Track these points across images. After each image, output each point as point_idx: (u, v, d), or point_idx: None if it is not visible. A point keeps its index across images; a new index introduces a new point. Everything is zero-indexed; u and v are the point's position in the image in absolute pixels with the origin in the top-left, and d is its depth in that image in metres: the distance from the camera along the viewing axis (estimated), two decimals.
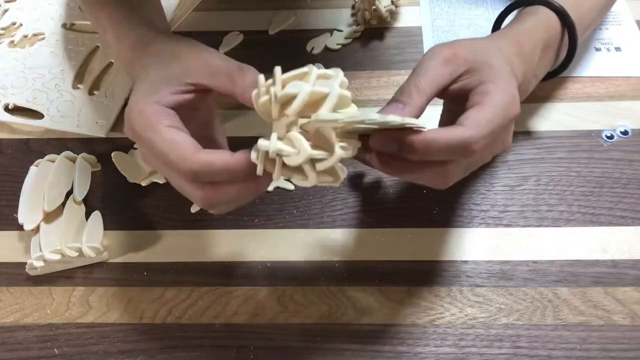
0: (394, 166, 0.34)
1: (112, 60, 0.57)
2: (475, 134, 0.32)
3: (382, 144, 0.32)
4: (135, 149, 0.50)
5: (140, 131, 0.33)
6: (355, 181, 0.48)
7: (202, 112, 0.38)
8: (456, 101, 0.36)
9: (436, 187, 0.36)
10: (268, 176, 0.31)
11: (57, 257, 0.42)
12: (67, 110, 0.53)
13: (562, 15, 0.43)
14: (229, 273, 0.43)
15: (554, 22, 0.43)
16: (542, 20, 0.43)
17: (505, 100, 0.34)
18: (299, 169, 0.30)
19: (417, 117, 0.34)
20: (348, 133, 0.31)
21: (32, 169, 0.48)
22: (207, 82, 0.35)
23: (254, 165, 0.30)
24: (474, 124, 0.33)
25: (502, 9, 0.48)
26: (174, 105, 0.34)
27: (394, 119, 0.30)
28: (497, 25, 0.49)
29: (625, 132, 0.49)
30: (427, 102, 0.35)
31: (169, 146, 0.32)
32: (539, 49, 0.41)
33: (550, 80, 0.46)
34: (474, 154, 0.32)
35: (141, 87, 0.35)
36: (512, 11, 0.47)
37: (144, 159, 0.37)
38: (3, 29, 0.61)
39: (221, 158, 0.31)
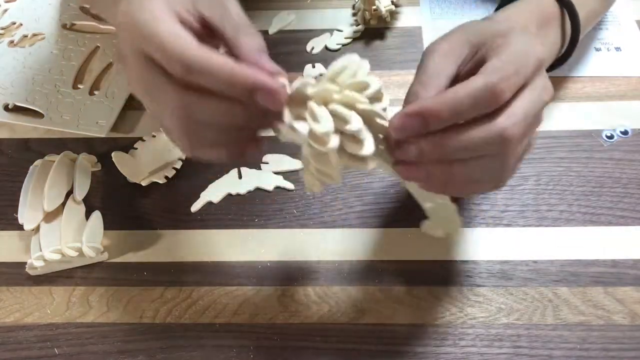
0: (435, 151, 0.31)
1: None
2: (496, 77, 0.29)
3: (404, 121, 0.30)
4: (136, 148, 0.50)
5: (142, 22, 0.29)
6: (355, 181, 0.48)
7: None
8: None
9: (495, 182, 0.33)
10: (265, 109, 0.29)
11: (57, 256, 0.42)
12: (67, 111, 0.53)
13: None
14: (229, 273, 0.43)
15: (546, 1, 0.41)
16: (530, 0, 0.41)
17: (523, 43, 0.31)
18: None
19: None
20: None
21: (32, 169, 0.48)
22: (216, 23, 0.31)
23: (255, 84, 0.28)
24: (491, 68, 0.30)
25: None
26: (184, 22, 0.31)
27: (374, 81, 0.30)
28: None
29: (625, 132, 0.49)
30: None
31: (172, 36, 0.28)
32: (533, 26, 0.39)
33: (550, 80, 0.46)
34: (503, 96, 0.29)
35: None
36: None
37: (121, 57, 0.32)
38: (3, 28, 0.61)
39: (225, 60, 0.28)
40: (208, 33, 0.32)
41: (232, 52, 0.31)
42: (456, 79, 0.33)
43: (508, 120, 0.30)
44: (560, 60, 0.45)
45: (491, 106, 0.30)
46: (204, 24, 0.32)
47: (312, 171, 0.33)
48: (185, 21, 0.31)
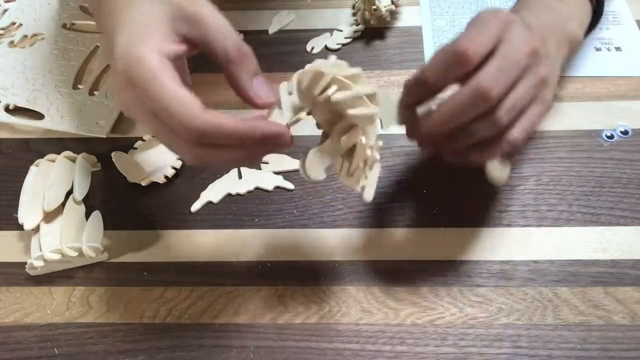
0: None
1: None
2: (463, 41, 0.33)
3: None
4: (136, 148, 0.50)
5: (140, 82, 0.30)
6: None
7: (182, 60, 0.36)
8: None
9: (493, 136, 0.35)
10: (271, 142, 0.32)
11: (57, 257, 0.42)
12: (67, 111, 0.53)
13: None
14: (229, 273, 0.43)
15: None
16: None
17: (493, 15, 0.34)
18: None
19: None
20: None
21: (32, 169, 0.48)
22: (214, 46, 0.33)
23: (264, 135, 0.31)
24: (463, 36, 0.33)
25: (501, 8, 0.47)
26: (172, 57, 0.32)
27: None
28: None
29: (625, 132, 0.49)
30: None
31: (177, 103, 0.29)
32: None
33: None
34: (470, 60, 0.32)
35: (132, 27, 0.31)
36: None
37: (127, 107, 0.33)
38: (3, 29, 0.61)
39: (232, 122, 0.30)
40: (194, 46, 0.33)
41: (226, 71, 0.33)
42: None
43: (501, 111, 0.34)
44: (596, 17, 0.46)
45: (461, 68, 0.33)
46: (194, 43, 0.33)
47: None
48: (177, 55, 0.32)
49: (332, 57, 0.33)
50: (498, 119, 0.33)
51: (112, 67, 0.33)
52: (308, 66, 0.32)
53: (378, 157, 0.34)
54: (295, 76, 0.33)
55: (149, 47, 0.30)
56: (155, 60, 0.30)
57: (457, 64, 0.33)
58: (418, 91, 0.35)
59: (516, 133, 0.35)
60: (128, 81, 0.31)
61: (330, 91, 0.31)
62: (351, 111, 0.32)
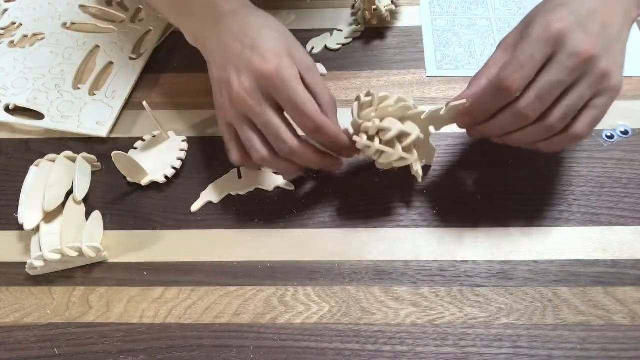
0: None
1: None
2: (507, 74, 0.36)
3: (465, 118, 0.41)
4: (136, 148, 0.50)
5: (289, 78, 0.39)
6: (355, 181, 0.48)
7: None
8: None
9: (544, 143, 0.39)
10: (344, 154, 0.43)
11: (57, 256, 0.42)
12: (67, 111, 0.53)
13: None
14: (229, 273, 0.43)
15: None
16: None
17: (538, 27, 0.37)
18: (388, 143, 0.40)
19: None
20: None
21: (32, 169, 0.48)
22: (309, 85, 0.41)
23: (348, 145, 0.41)
24: (507, 65, 0.37)
25: (501, 8, 0.47)
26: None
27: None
28: None
29: (625, 132, 0.49)
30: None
31: (309, 101, 0.39)
32: None
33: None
34: (514, 93, 0.36)
35: (271, 43, 0.40)
36: None
37: (247, 94, 0.40)
38: (3, 29, 0.61)
39: (336, 126, 0.41)
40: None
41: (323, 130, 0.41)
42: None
43: (523, 102, 0.37)
44: None
45: (502, 88, 0.37)
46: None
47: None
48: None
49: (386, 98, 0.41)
50: (551, 126, 0.37)
51: (244, 62, 0.40)
52: (355, 105, 0.42)
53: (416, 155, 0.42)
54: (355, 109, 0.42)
55: (291, 60, 0.40)
56: (296, 70, 0.40)
57: (501, 97, 0.37)
58: (468, 121, 0.41)
59: (579, 128, 0.37)
60: (280, 74, 0.39)
61: (371, 154, 0.41)
62: (395, 164, 0.42)
